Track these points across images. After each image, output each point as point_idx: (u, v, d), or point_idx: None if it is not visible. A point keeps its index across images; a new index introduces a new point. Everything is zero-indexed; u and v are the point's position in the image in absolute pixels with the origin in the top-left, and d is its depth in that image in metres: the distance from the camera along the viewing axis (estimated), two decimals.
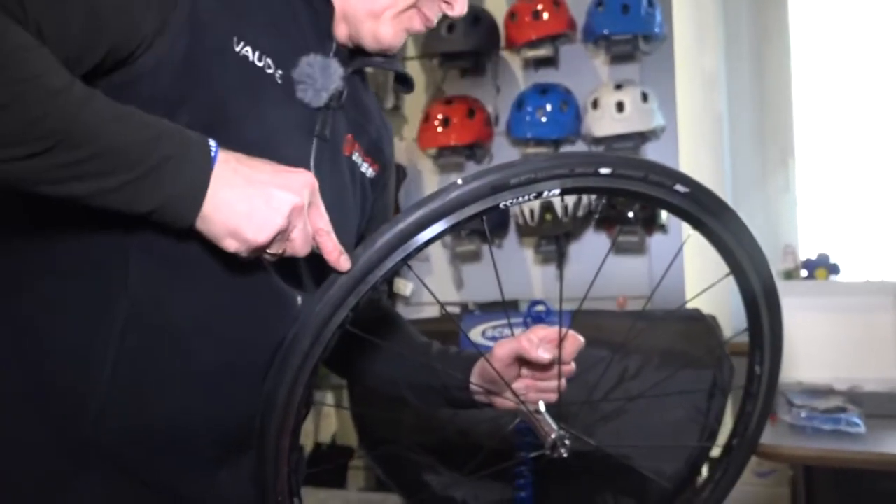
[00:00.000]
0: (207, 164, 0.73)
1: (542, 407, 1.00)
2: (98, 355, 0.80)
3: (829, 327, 1.70)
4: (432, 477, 2.02)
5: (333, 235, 0.79)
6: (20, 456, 0.80)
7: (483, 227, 2.39)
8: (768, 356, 0.95)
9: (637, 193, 0.81)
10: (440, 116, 2.38)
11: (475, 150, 2.42)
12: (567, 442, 0.93)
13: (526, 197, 0.78)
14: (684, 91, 2.43)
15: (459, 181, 0.77)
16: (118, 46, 0.76)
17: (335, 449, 2.72)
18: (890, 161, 2.70)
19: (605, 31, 2.25)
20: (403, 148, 2.60)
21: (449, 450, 1.97)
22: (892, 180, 2.70)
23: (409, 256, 0.77)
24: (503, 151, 2.46)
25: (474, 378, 1.05)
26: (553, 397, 1.01)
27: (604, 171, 0.78)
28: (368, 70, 1.10)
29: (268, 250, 0.76)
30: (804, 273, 2.52)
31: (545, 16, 2.31)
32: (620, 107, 2.25)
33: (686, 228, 2.38)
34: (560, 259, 2.33)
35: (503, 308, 2.14)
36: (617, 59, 2.39)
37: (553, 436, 0.92)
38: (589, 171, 0.78)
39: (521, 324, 1.92)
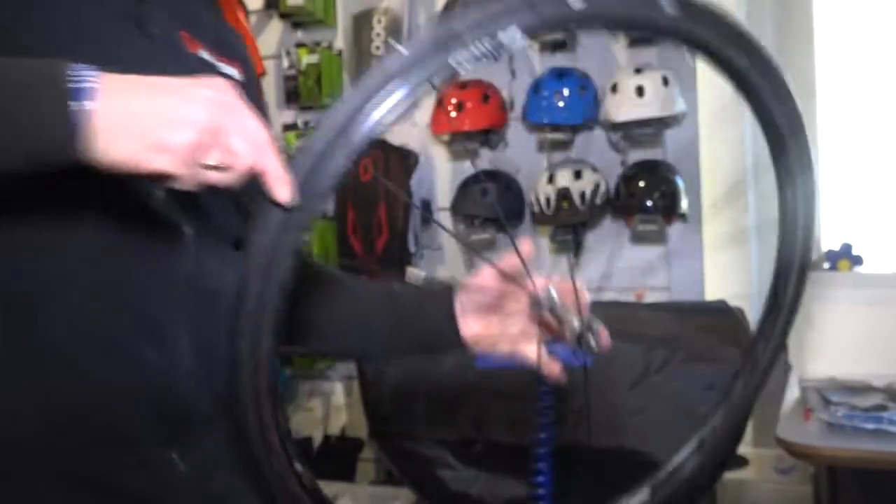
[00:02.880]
0: (61, 90, 0.58)
1: (553, 292, 0.83)
2: None
3: (860, 320, 1.63)
4: (445, 472, 1.97)
5: (275, 150, 0.63)
6: None
7: (498, 215, 2.33)
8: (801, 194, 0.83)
9: (616, 18, 0.67)
10: (454, 101, 2.31)
11: (490, 135, 2.36)
12: (596, 329, 0.78)
13: (483, 47, 0.61)
14: (705, 76, 2.36)
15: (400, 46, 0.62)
16: None
17: (345, 441, 2.67)
18: None
19: None
20: (416, 133, 2.53)
21: (463, 443, 1.92)
22: None
23: (356, 153, 0.62)
24: (519, 137, 2.40)
25: (459, 305, 0.91)
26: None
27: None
28: None
29: (208, 162, 0.61)
30: (826, 265, 2.46)
31: None
32: (640, 91, 2.18)
33: (707, 218, 2.33)
34: (576, 248, 2.26)
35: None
36: (635, 42, 2.32)
37: (576, 324, 0.78)
38: None
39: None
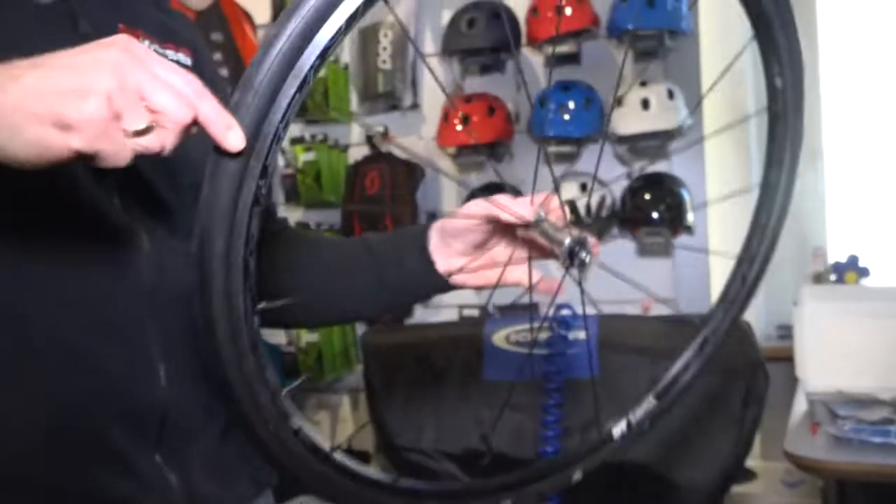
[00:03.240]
0: None
1: (541, 212, 0.79)
2: None
3: (867, 333, 1.63)
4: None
5: (210, 95, 0.55)
6: None
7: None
8: (788, 67, 0.80)
9: None
10: (459, 114, 2.32)
11: (496, 148, 2.36)
12: (587, 241, 0.73)
13: None
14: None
15: None
16: None
17: (351, 454, 2.66)
18: None
19: (630, 26, 2.19)
20: (422, 146, 2.54)
21: (470, 456, 1.92)
22: None
23: (306, 81, 0.55)
24: (524, 149, 2.40)
25: (434, 242, 0.87)
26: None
27: None
28: None
29: (135, 128, 0.53)
30: (833, 277, 2.46)
31: (568, 11, 2.25)
32: (646, 104, 2.19)
33: (713, 231, 2.33)
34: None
35: (526, 311, 2.08)
36: (641, 55, 2.33)
37: (567, 240, 0.73)
38: None
39: (547, 328, 1.86)
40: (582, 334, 1.87)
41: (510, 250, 0.87)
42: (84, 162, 0.54)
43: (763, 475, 2.30)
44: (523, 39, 2.34)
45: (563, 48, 2.28)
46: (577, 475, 0.83)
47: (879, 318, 1.59)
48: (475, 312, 2.40)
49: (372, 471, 0.72)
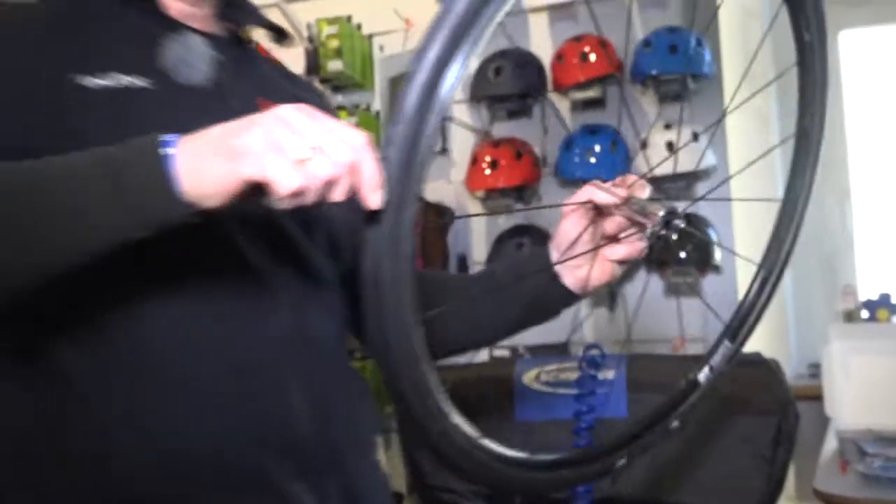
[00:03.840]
0: (152, 151, 0.64)
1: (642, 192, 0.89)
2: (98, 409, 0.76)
3: (895, 371, 1.64)
4: None
5: (371, 150, 0.63)
6: None
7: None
8: (814, 20, 0.88)
9: None
10: (488, 159, 2.38)
11: (523, 191, 2.42)
12: (680, 215, 0.83)
13: None
14: (736, 130, 2.40)
15: None
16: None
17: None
18: None
19: (654, 71, 2.25)
20: (451, 190, 2.60)
21: (502, 496, 1.93)
22: None
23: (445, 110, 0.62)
24: (552, 192, 2.45)
25: (554, 257, 0.96)
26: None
27: None
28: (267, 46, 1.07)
29: (294, 157, 0.61)
30: (865, 314, 2.45)
31: (592, 57, 2.31)
32: (670, 146, 2.23)
33: (740, 269, 2.34)
34: (611, 300, 2.29)
35: (556, 352, 2.11)
36: (665, 98, 2.38)
37: (662, 212, 0.84)
38: None
39: (576, 368, 1.88)
40: (611, 373, 1.89)
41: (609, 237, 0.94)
42: (261, 195, 0.62)
43: None
44: (549, 85, 2.41)
45: (589, 93, 2.34)
46: (675, 423, 0.94)
47: None
48: (506, 353, 2.42)
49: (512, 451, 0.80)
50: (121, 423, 0.76)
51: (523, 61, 2.39)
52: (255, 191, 0.62)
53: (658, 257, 2.29)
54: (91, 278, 0.69)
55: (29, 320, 0.77)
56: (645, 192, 0.88)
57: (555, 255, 0.96)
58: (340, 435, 0.88)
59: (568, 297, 0.98)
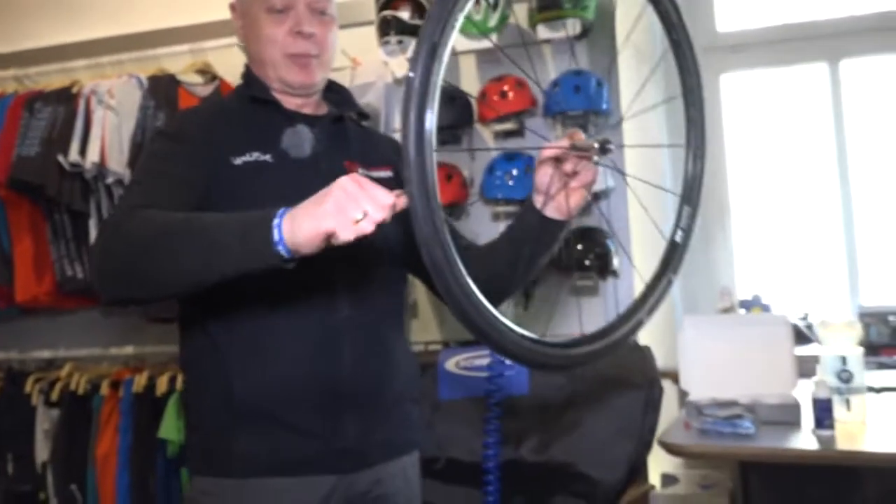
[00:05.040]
0: (268, 220, 1.06)
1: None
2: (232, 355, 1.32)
3: (730, 353, 2.07)
4: None
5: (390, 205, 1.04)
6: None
7: None
8: (693, 66, 1.36)
9: None
10: None
11: (453, 209, 2.81)
12: (609, 141, 1.22)
13: None
14: (633, 156, 2.82)
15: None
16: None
17: None
18: (807, 215, 3.11)
19: (561, 108, 2.66)
20: None
21: (428, 461, 2.30)
22: (809, 231, 3.11)
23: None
24: (477, 210, 2.84)
25: (539, 201, 1.32)
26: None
27: None
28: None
29: (352, 217, 1.01)
30: (742, 311, 2.90)
31: (510, 95, 2.72)
32: None
33: (637, 275, 2.75)
34: (526, 300, 2.69)
35: (479, 344, 2.50)
36: (573, 127, 2.77)
37: (596, 144, 1.21)
38: None
39: (489, 355, 2.28)
40: None
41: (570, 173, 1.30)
42: (331, 241, 1.04)
43: (683, 480, 2.72)
44: (475, 117, 2.81)
45: (507, 125, 2.75)
46: (672, 276, 1.31)
47: (737, 342, 2.03)
48: (439, 346, 2.81)
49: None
50: (242, 370, 1.30)
51: (453, 97, 2.79)
52: (329, 238, 1.03)
53: (566, 264, 2.70)
54: (229, 287, 1.14)
55: (198, 307, 1.31)
56: (581, 136, 1.26)
57: (539, 201, 1.32)
58: (376, 388, 1.37)
59: (560, 224, 1.33)
